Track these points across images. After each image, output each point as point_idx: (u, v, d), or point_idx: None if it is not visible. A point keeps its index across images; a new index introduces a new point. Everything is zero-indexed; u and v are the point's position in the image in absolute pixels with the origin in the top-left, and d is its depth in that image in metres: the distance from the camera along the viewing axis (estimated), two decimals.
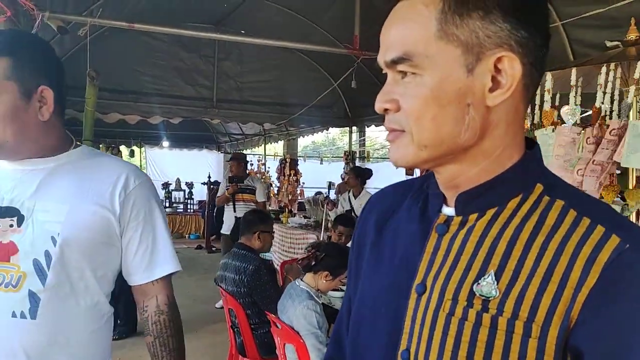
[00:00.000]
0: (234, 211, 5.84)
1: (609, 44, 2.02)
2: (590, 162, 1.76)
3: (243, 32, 6.09)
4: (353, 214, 5.71)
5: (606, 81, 1.66)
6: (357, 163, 8.81)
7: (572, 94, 1.76)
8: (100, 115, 6.34)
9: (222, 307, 5.86)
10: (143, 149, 12.70)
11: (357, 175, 5.91)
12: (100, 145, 10.10)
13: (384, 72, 0.70)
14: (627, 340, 0.59)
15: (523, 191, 0.69)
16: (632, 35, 1.94)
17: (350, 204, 5.94)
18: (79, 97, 4.09)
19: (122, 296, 4.01)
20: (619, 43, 1.94)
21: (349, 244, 1.20)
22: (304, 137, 10.23)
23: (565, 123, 1.83)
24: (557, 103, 1.89)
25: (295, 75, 7.67)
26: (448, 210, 0.73)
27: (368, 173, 6.57)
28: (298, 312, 2.56)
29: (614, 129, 1.55)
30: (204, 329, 5.22)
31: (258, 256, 3.43)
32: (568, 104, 1.92)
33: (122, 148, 11.93)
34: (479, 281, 0.66)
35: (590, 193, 1.86)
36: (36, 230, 1.16)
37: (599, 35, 3.94)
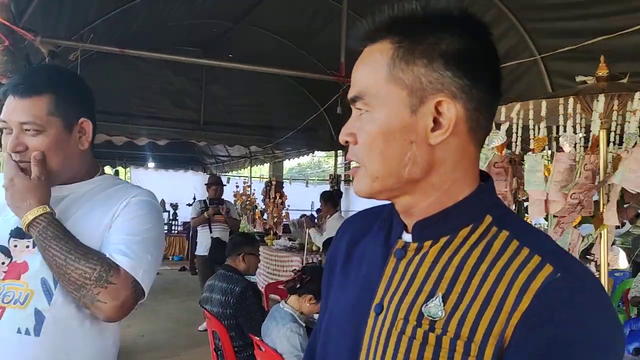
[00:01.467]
0: (210, 232, 5.93)
1: (578, 79, 2.13)
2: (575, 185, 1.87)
3: (231, 56, 6.20)
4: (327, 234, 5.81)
5: (576, 113, 1.78)
6: (342, 186, 8.90)
7: (542, 125, 1.87)
8: None
9: (205, 330, 5.85)
10: (128, 169, 12.66)
11: (327, 201, 6.01)
12: None
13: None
14: None
15: (473, 222, 0.75)
16: (601, 72, 2.06)
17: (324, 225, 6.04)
18: None
19: None
20: (586, 79, 2.05)
21: None
22: (289, 159, 10.30)
23: (563, 151, 1.93)
24: (554, 133, 2.01)
25: (281, 99, 7.78)
26: (407, 237, 0.80)
27: (337, 195, 6.69)
28: (282, 334, 2.59)
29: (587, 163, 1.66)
30: (187, 352, 5.18)
31: (244, 278, 3.46)
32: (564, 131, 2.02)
33: (107, 168, 11.91)
34: (428, 302, 0.72)
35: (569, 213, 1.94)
36: None
37: (575, 67, 4.11)
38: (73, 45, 3.49)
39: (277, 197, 8.18)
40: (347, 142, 0.77)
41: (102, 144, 7.09)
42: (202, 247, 5.99)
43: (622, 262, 7.37)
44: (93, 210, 1.29)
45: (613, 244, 3.39)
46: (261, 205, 8.92)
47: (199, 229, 6.10)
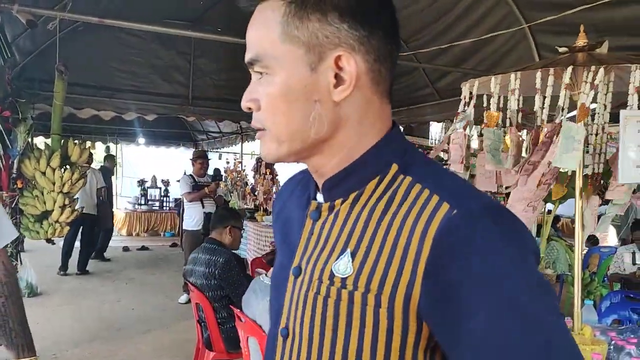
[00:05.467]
0: (202, 207, 5.95)
1: (560, 49, 2.11)
2: (526, 162, 1.84)
3: (219, 30, 6.10)
4: None
5: (547, 85, 1.75)
6: None
7: (512, 98, 1.85)
8: (74, 111, 6.28)
9: (185, 303, 5.91)
10: (119, 145, 12.58)
11: None
12: (76, 141, 9.97)
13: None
14: (465, 303, 0.61)
15: (379, 173, 0.73)
16: (580, 42, 2.04)
17: None
18: (51, 91, 4.08)
19: None
20: (567, 49, 2.03)
21: None
22: None
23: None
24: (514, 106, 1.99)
25: None
26: (320, 198, 0.79)
27: None
28: (261, 306, 2.60)
29: (548, 132, 1.63)
30: (176, 325, 5.23)
31: (228, 250, 3.47)
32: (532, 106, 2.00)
33: (98, 144, 11.82)
34: (337, 261, 0.72)
35: (522, 191, 1.92)
36: None
37: (564, 41, 4.07)
38: (51, 15, 3.41)
39: (268, 173, 8.15)
40: (249, 108, 0.74)
41: (90, 119, 7.00)
42: (194, 221, 6.03)
43: (612, 239, 7.48)
44: None
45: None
46: (252, 182, 8.90)
47: (188, 204, 6.12)
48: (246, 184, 8.91)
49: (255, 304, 2.63)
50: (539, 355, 0.59)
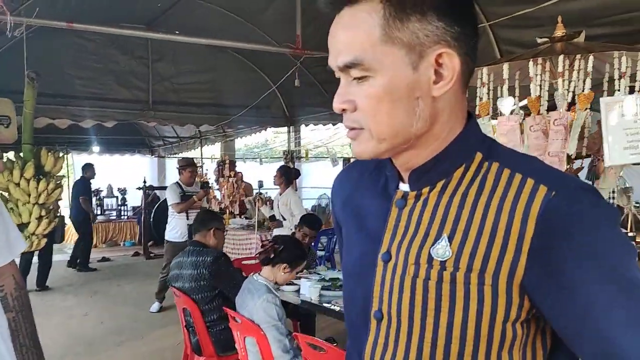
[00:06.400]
0: (187, 218, 5.72)
1: (539, 40, 2.22)
2: (547, 154, 1.94)
3: (177, 32, 6.00)
4: (277, 208, 5.80)
5: (536, 74, 1.84)
6: (297, 163, 8.90)
7: (505, 87, 1.93)
8: None
9: (158, 311, 5.76)
10: (70, 155, 12.11)
11: (282, 174, 5.98)
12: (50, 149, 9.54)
13: (336, 75, 0.78)
14: (573, 276, 0.68)
15: (465, 161, 0.78)
16: (559, 32, 2.15)
17: (277, 200, 6.01)
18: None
19: None
20: (548, 39, 2.14)
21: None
22: (241, 138, 10.17)
23: (504, 115, 2.00)
24: (500, 95, 2.07)
25: (231, 77, 7.63)
26: (404, 187, 0.83)
27: (294, 174, 6.67)
28: (258, 305, 2.61)
29: (556, 119, 1.73)
30: (151, 335, 5.10)
31: (214, 249, 3.44)
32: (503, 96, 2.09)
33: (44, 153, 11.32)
34: (435, 245, 0.76)
35: None
36: None
37: (523, 34, 4.26)
38: (17, 21, 3.28)
39: (232, 176, 8.08)
40: (343, 109, 0.77)
41: (45, 128, 6.73)
42: (177, 233, 5.73)
43: None
44: None
45: None
46: (215, 186, 8.78)
47: (173, 214, 5.86)
48: (210, 188, 8.79)
49: (252, 304, 2.62)
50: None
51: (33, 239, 3.31)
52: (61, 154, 3.78)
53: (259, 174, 10.95)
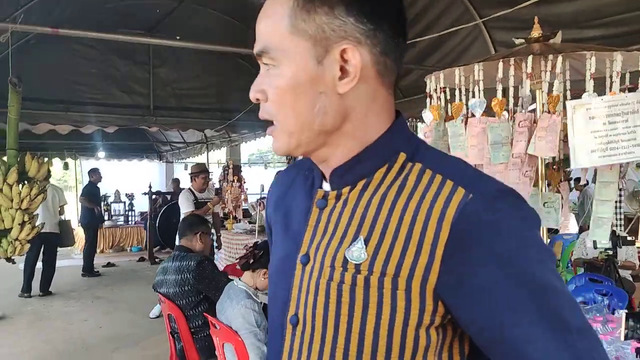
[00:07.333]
0: None
1: (516, 41, 2.17)
2: (511, 155, 1.89)
3: (178, 38, 6.02)
4: None
5: (504, 76, 1.80)
6: None
7: (476, 88, 1.89)
8: (28, 126, 6.10)
9: (157, 317, 5.75)
10: (78, 161, 12.24)
11: None
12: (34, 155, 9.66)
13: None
14: (487, 281, 0.65)
15: (387, 161, 0.75)
16: (535, 33, 2.10)
17: None
18: (3, 107, 3.92)
19: None
20: (524, 40, 2.09)
21: None
22: (246, 142, 10.18)
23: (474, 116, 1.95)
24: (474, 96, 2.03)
25: (233, 81, 7.64)
26: (326, 186, 0.80)
27: None
28: (236, 311, 2.58)
29: (521, 121, 1.68)
30: (147, 341, 5.10)
31: (199, 254, 3.41)
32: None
33: (56, 161, 11.46)
34: (350, 247, 0.72)
35: (515, 184, 1.98)
36: None
37: (519, 36, 4.20)
38: (2, 27, 3.30)
39: (235, 181, 8.08)
40: (257, 99, 0.75)
41: (47, 134, 6.81)
42: None
43: (573, 226, 7.75)
44: None
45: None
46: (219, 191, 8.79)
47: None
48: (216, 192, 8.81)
49: (230, 309, 2.59)
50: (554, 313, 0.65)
51: (16, 244, 3.31)
52: (45, 159, 3.78)
53: (264, 178, 11.01)
